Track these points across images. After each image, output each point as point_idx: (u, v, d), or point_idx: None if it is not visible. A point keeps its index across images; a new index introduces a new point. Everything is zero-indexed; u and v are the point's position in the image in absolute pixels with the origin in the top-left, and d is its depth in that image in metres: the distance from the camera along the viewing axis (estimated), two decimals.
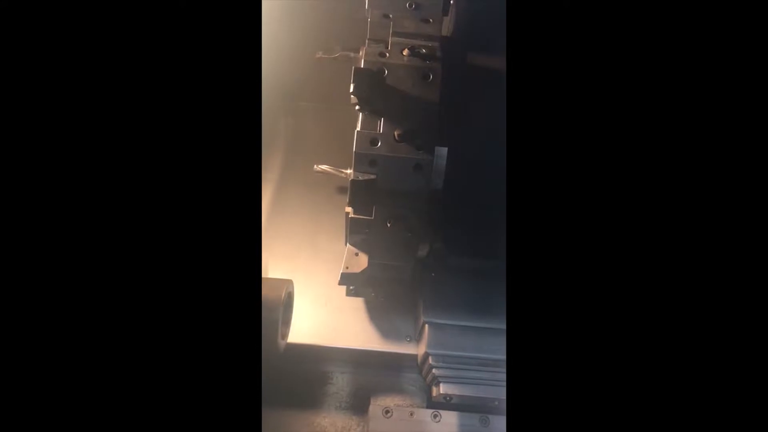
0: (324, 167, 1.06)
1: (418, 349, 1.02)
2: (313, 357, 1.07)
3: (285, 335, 0.94)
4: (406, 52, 0.80)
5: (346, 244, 0.89)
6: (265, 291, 0.85)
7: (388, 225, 0.82)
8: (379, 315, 1.11)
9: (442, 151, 0.79)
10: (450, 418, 1.03)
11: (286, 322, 0.94)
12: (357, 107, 0.78)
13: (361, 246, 0.87)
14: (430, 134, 0.77)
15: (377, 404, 1.05)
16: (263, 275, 0.93)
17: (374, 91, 0.76)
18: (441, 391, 0.96)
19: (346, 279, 0.86)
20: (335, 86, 0.97)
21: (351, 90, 0.75)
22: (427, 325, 0.98)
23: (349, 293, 1.10)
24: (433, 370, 0.97)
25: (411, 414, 1.04)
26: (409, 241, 0.84)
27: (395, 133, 0.77)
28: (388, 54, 0.80)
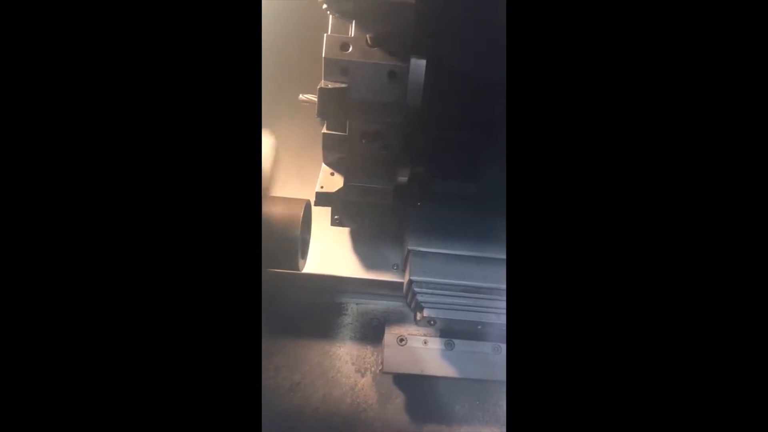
0: (309, 96, 1.01)
1: (404, 277, 1.00)
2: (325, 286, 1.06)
3: (305, 255, 0.93)
4: None
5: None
6: (284, 210, 0.83)
7: (363, 142, 0.78)
8: (366, 244, 1.10)
9: (420, 63, 0.73)
10: (463, 346, 1.05)
11: (305, 241, 0.92)
12: (325, 7, 0.71)
13: (337, 166, 0.83)
14: (404, 38, 0.70)
15: (392, 333, 1.06)
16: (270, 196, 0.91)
17: None
18: (424, 315, 0.95)
19: (320, 198, 0.83)
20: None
21: None
22: (410, 253, 0.95)
23: (333, 223, 1.08)
24: (417, 296, 0.96)
25: (425, 342, 1.06)
26: (386, 160, 0.80)
27: (367, 37, 0.71)
28: None
